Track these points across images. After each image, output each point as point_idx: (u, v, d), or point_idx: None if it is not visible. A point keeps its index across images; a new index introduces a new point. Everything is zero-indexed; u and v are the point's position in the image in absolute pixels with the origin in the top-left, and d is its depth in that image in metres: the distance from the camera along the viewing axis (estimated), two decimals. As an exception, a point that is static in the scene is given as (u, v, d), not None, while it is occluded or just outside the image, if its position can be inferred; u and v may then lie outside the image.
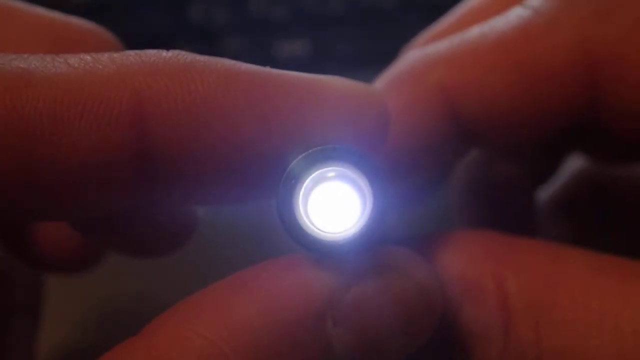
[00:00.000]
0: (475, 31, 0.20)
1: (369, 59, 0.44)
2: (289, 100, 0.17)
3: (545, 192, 0.29)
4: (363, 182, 0.16)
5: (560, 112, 0.20)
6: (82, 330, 0.32)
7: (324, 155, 0.16)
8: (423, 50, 0.21)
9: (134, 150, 0.16)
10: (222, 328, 0.15)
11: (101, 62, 0.16)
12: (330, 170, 0.16)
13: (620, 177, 0.29)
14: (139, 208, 0.18)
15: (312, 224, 0.16)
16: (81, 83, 0.16)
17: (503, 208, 0.27)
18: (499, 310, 0.18)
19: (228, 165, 0.17)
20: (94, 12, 0.46)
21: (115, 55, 0.17)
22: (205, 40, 0.46)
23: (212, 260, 0.34)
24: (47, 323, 0.29)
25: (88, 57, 0.16)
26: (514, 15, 0.20)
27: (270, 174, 0.17)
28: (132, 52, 0.17)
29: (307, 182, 0.16)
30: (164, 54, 0.17)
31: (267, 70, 0.17)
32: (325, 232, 0.16)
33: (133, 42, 0.17)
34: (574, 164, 0.29)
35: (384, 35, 0.47)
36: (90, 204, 0.17)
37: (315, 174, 0.16)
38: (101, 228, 0.22)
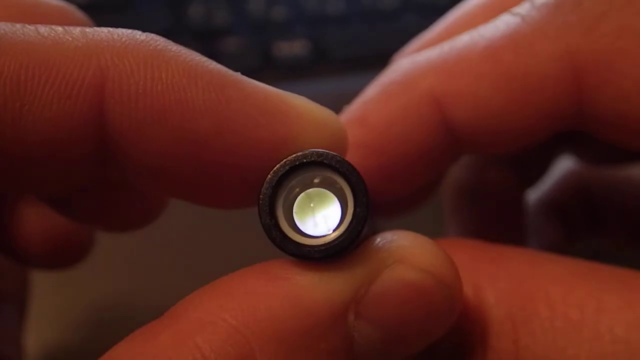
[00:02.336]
0: (464, 38, 0.20)
1: (369, 59, 0.44)
2: (247, 108, 0.17)
3: (535, 193, 0.29)
4: (344, 186, 0.16)
5: (548, 119, 0.20)
6: (73, 330, 0.32)
7: (301, 162, 0.16)
8: (413, 58, 0.21)
9: (92, 126, 0.16)
10: (248, 316, 0.15)
11: (72, 35, 0.16)
12: (311, 176, 0.17)
13: (609, 178, 0.29)
14: (99, 184, 0.18)
15: (295, 229, 0.16)
16: (49, 53, 0.16)
17: (493, 211, 0.27)
18: (477, 320, 0.18)
19: (181, 161, 0.17)
20: (94, 12, 0.46)
21: (88, 30, 0.17)
22: (205, 40, 0.46)
23: (204, 259, 0.34)
24: (39, 322, 0.29)
25: (59, 28, 0.16)
26: (502, 22, 0.20)
27: (229, 182, 0.17)
28: (105, 29, 0.17)
29: (287, 188, 0.16)
30: (138, 35, 0.17)
31: (234, 74, 0.17)
32: (308, 236, 0.16)
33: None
34: (563, 165, 0.29)
35: (384, 35, 0.47)
36: (48, 176, 0.17)
37: (295, 181, 0.16)
38: (64, 200, 0.22)
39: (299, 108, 0.17)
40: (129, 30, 0.17)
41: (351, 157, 0.21)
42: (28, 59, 0.16)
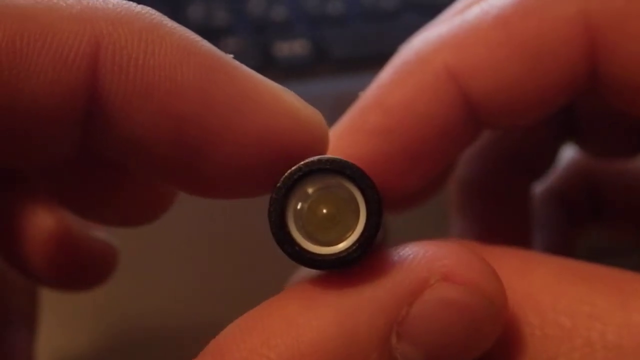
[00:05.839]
0: (474, 10, 0.20)
1: (369, 59, 0.44)
2: (233, 94, 0.17)
3: (541, 183, 0.29)
4: (356, 193, 0.16)
5: (562, 84, 0.20)
6: (81, 341, 0.32)
7: (313, 169, 0.16)
8: (424, 36, 0.21)
9: (84, 94, 0.16)
10: (293, 352, 0.15)
11: (66, 1, 0.16)
12: (323, 182, 0.16)
13: (614, 168, 0.29)
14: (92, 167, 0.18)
15: (306, 236, 0.16)
16: (43, 19, 0.16)
17: (499, 205, 0.27)
18: None
19: (163, 139, 0.17)
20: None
21: None
22: (205, 40, 0.46)
23: (214, 265, 0.34)
24: (48, 332, 0.28)
25: None
26: None
27: (211, 167, 0.17)
28: None
29: (298, 194, 0.16)
30: (133, 7, 0.17)
31: (226, 58, 0.17)
32: (319, 243, 0.16)
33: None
34: (568, 154, 0.29)
35: (384, 35, 0.47)
36: (35, 145, 0.17)
37: (306, 187, 0.16)
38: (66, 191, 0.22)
39: (284, 103, 0.17)
40: (124, 1, 0.17)
41: (373, 142, 0.20)
42: (24, 26, 0.15)
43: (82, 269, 0.25)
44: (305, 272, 0.22)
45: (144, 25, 0.16)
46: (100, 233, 0.25)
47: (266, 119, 0.17)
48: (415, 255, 0.16)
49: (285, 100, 0.17)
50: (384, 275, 0.16)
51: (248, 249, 0.32)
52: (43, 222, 0.24)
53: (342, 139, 0.21)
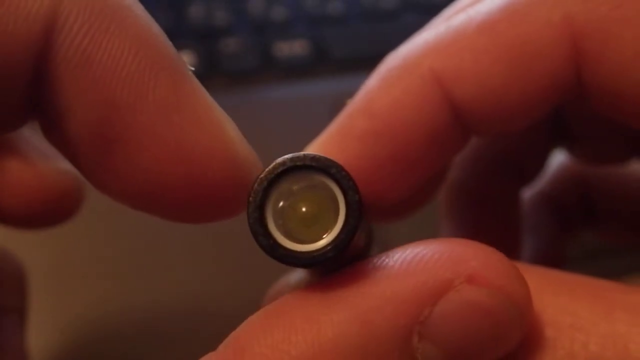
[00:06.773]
0: (460, 17, 0.20)
1: (369, 59, 0.45)
2: (171, 101, 0.17)
3: (531, 187, 0.29)
4: (336, 191, 0.16)
5: (548, 89, 0.20)
6: (72, 337, 0.32)
7: (294, 165, 0.16)
8: (411, 41, 0.21)
9: (35, 55, 0.16)
10: (314, 349, 0.15)
11: None
12: (303, 179, 0.16)
13: (606, 171, 0.29)
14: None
15: (285, 233, 0.16)
16: None
17: (488, 210, 0.27)
18: None
19: (88, 123, 0.16)
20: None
21: None
22: (205, 40, 0.46)
23: (205, 260, 0.34)
24: (38, 329, 0.28)
25: None
26: None
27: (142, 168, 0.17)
28: None
29: (278, 191, 0.16)
30: None
31: (180, 64, 0.17)
32: (298, 241, 0.16)
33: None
34: (559, 158, 0.29)
35: (384, 35, 0.47)
36: None
37: (287, 184, 0.16)
38: None
39: (221, 130, 0.17)
40: None
41: (360, 147, 0.20)
42: None
43: (50, 203, 0.24)
44: (295, 276, 0.22)
45: (110, 3, 0.16)
46: (65, 165, 0.25)
47: (195, 136, 0.17)
48: (441, 255, 0.16)
49: (224, 128, 0.17)
50: (407, 273, 0.16)
51: (249, 247, 0.32)
52: (8, 165, 0.24)
53: (329, 144, 0.20)
